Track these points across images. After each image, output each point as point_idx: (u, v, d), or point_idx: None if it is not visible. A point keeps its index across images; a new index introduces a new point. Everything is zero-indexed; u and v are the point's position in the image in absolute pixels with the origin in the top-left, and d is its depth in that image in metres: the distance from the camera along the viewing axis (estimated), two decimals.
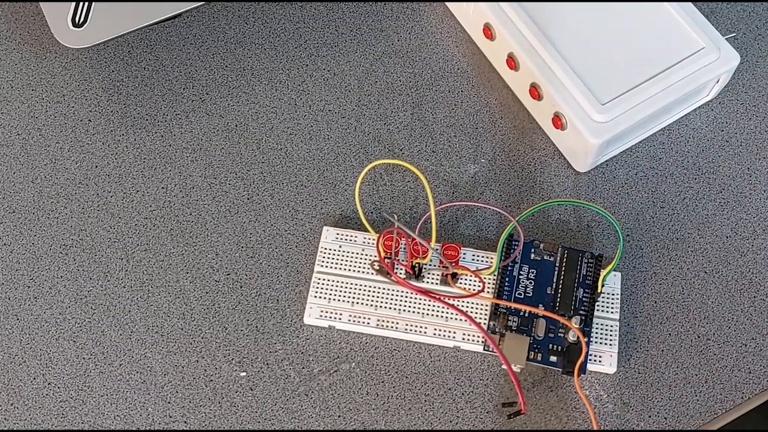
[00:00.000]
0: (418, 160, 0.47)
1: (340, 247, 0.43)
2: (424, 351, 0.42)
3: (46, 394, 0.41)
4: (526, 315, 0.41)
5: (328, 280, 0.42)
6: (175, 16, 0.45)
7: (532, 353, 0.40)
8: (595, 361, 0.41)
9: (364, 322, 0.41)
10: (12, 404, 0.41)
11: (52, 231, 0.45)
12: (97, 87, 0.49)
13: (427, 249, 0.41)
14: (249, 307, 0.43)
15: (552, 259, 0.43)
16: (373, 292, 0.42)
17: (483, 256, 0.43)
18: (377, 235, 0.42)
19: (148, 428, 0.40)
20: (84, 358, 0.42)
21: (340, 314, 0.42)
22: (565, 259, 0.42)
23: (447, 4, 0.51)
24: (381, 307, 0.42)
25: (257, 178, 0.46)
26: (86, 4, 0.45)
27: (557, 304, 0.41)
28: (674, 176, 0.46)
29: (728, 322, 0.43)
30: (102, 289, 0.43)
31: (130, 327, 0.43)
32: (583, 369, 0.39)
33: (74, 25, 0.44)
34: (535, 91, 0.45)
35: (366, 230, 0.43)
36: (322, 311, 0.42)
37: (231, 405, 0.41)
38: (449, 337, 0.41)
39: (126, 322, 0.43)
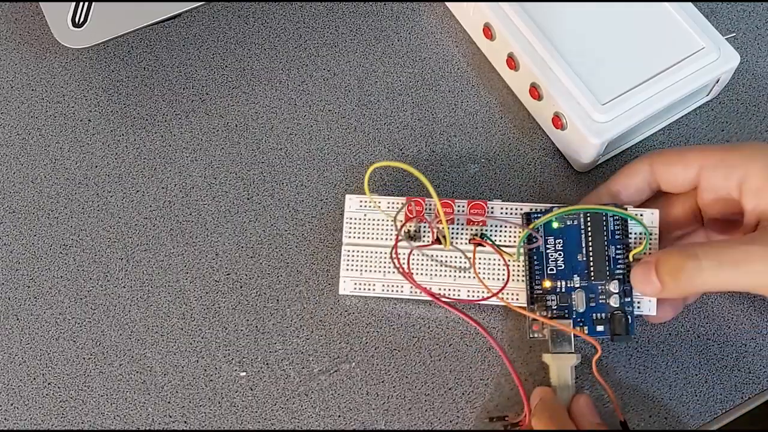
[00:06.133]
0: (418, 160, 0.47)
1: (365, 215, 0.43)
2: (424, 351, 0.42)
3: (46, 394, 0.41)
4: (564, 290, 0.40)
5: (358, 252, 0.42)
6: (175, 16, 0.45)
7: (578, 327, 0.39)
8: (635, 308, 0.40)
9: (397, 291, 0.41)
10: (12, 404, 0.41)
11: (52, 231, 0.45)
12: (97, 87, 0.49)
13: (451, 216, 0.41)
14: (249, 307, 0.43)
15: (576, 223, 0.41)
16: (404, 259, 0.42)
17: (511, 208, 0.42)
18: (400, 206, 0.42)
19: (148, 428, 0.40)
20: (84, 358, 0.42)
21: (374, 285, 0.42)
22: (589, 221, 0.41)
23: (447, 4, 0.51)
24: (414, 273, 0.41)
25: (257, 178, 0.46)
26: (86, 4, 0.45)
27: (591, 270, 0.40)
28: None
29: (728, 322, 0.43)
30: (102, 289, 0.43)
31: (130, 327, 0.43)
32: (631, 331, 0.39)
33: (74, 25, 0.44)
34: (535, 91, 0.45)
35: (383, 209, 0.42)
36: (356, 284, 0.42)
37: (231, 405, 0.41)
38: (482, 296, 0.41)
39: (126, 322, 0.43)
